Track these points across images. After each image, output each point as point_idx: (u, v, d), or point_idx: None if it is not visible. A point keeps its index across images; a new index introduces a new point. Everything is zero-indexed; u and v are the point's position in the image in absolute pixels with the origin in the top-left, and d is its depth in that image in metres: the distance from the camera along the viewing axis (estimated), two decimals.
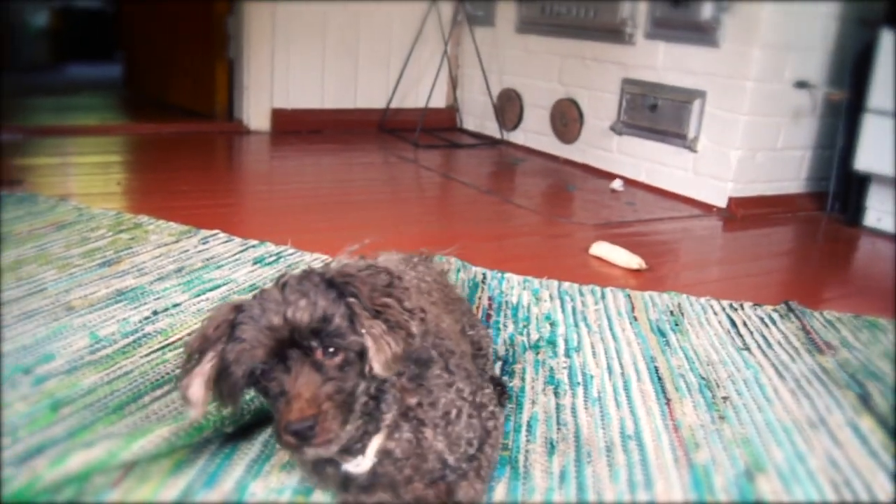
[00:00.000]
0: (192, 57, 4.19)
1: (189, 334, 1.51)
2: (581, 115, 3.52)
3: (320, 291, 0.92)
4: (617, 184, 3.18)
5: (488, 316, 1.70)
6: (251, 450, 1.15)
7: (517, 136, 3.95)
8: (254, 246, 2.05)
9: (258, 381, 0.92)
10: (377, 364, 0.91)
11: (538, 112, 3.79)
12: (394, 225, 2.52)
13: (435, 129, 4.11)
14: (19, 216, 2.21)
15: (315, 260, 1.96)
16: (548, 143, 3.75)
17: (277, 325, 0.89)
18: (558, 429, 1.26)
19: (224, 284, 1.78)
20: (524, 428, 1.26)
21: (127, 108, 4.63)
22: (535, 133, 3.83)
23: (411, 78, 4.16)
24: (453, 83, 4.29)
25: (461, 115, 4.34)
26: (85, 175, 2.99)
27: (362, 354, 0.91)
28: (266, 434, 1.19)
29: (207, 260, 1.92)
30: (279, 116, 3.93)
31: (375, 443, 0.98)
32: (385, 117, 4.14)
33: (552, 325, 1.68)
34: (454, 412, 1.03)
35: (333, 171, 3.35)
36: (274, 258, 1.97)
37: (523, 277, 1.95)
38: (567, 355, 1.54)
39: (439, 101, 4.27)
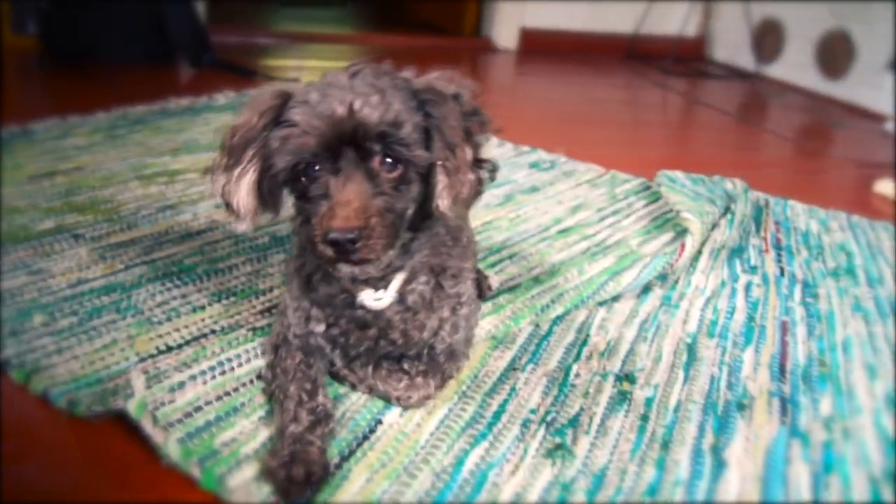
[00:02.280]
0: None
1: None
2: (853, 48, 3.26)
3: (398, 94, 0.79)
4: (892, 125, 2.93)
5: (778, 239, 1.63)
6: None
7: (774, 70, 3.72)
8: (526, 152, 2.07)
9: (297, 178, 0.80)
10: (445, 200, 0.80)
11: (801, 44, 3.54)
12: (644, 144, 2.47)
13: (682, 59, 3.96)
14: None
15: (589, 170, 1.96)
16: (810, 78, 3.50)
17: (339, 116, 0.76)
18: (874, 354, 1.20)
19: (507, 184, 1.82)
20: (840, 348, 1.20)
21: (375, 22, 4.78)
22: (795, 67, 3.59)
23: (663, 3, 4.01)
24: (706, 10, 4.09)
25: (711, 46, 4.14)
26: None
27: (425, 178, 0.81)
28: None
29: None
30: (528, 36, 3.92)
31: (398, 281, 0.90)
32: (633, 44, 4.03)
33: (848, 255, 1.59)
34: (464, 299, 0.98)
35: (584, 91, 3.30)
36: (549, 165, 1.98)
37: (808, 206, 1.85)
38: (870, 285, 1.45)
39: (689, 29, 4.09)
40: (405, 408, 0.95)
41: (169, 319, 1.13)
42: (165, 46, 2.96)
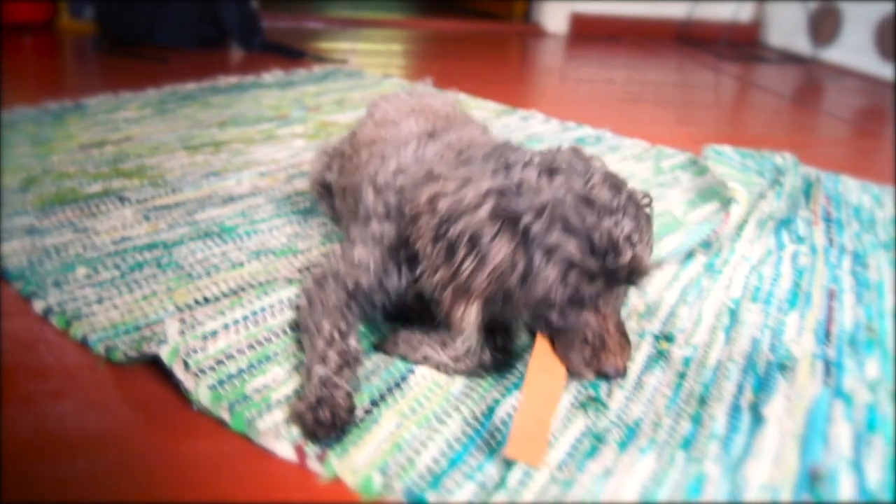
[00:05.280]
0: None
1: None
2: None
3: (643, 219, 0.88)
4: None
5: (828, 213, 1.59)
6: None
7: (831, 54, 3.62)
8: (572, 128, 2.05)
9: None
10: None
11: (859, 28, 3.44)
12: (694, 122, 2.42)
13: (735, 44, 3.88)
14: (351, 87, 2.37)
15: (635, 145, 1.93)
16: (868, 62, 3.41)
17: (623, 262, 0.81)
18: None
19: None
20: (888, 315, 1.16)
21: (425, 8, 4.78)
22: (853, 50, 3.49)
23: None
24: None
25: (766, 31, 4.05)
26: (397, 59, 3.15)
27: None
28: None
29: (531, 136, 1.95)
30: (578, 21, 3.89)
31: None
32: (685, 28, 3.96)
33: None
34: None
35: (634, 73, 3.25)
36: (594, 140, 1.95)
37: (860, 182, 1.80)
38: None
39: (742, 14, 4.01)
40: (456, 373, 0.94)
41: (208, 274, 1.14)
42: (217, 31, 3.00)
